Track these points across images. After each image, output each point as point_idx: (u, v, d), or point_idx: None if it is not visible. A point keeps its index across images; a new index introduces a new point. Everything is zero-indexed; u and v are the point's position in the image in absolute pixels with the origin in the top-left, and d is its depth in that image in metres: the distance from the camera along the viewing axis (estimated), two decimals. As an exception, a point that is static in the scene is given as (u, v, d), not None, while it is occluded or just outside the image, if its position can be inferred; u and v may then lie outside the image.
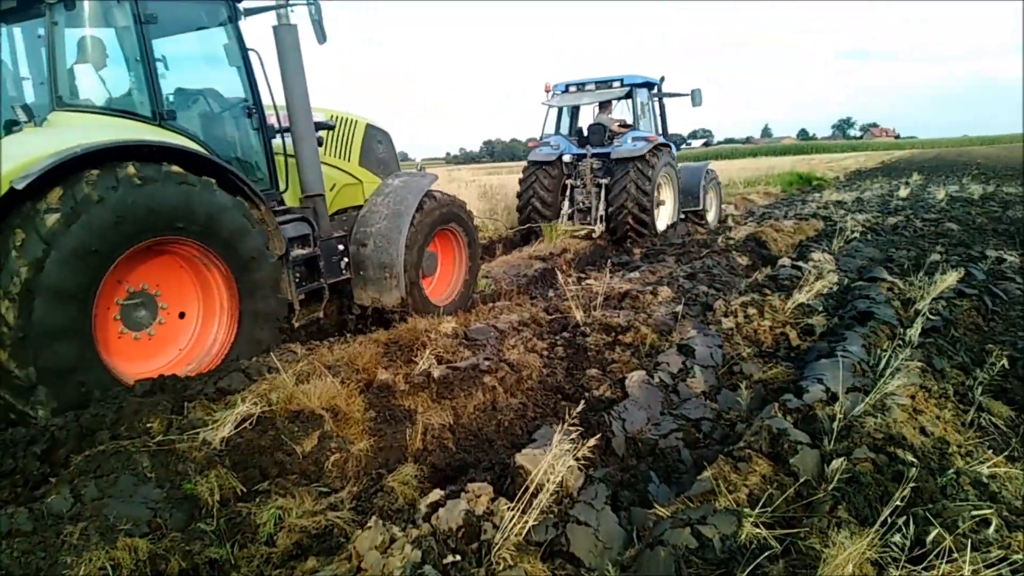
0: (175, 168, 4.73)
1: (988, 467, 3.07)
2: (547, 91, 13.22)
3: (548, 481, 2.84)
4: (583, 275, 9.74)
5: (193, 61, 5.91)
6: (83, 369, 4.31)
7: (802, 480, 2.95)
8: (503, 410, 4.58)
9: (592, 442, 3.05)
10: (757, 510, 2.70)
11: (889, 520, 2.43)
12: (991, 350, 5.00)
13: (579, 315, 6.40)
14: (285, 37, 5.89)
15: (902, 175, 29.83)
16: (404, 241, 6.45)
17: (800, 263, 8.54)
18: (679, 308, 6.63)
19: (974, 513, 2.55)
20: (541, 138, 13.30)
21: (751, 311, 6.40)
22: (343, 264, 6.50)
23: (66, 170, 4.27)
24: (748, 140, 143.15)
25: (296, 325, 5.90)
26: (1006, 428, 3.86)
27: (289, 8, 5.91)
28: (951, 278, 6.39)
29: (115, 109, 5.07)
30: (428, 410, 4.34)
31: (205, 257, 5.03)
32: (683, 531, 2.53)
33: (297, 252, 5.94)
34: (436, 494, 2.90)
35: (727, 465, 3.04)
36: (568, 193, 12.71)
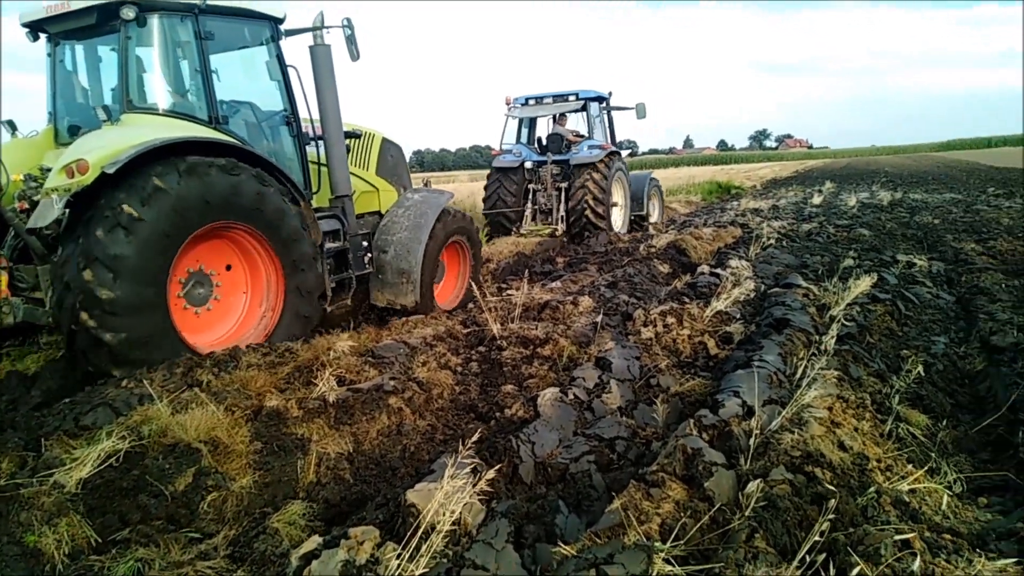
0: (227, 160, 5.44)
1: (908, 483, 2.93)
2: (507, 104, 14.46)
3: (442, 520, 2.53)
4: (504, 285, 9.50)
5: (240, 75, 6.67)
6: (164, 338, 5.00)
7: (718, 506, 2.73)
8: (409, 434, 4.24)
9: (490, 475, 2.75)
10: (669, 543, 2.46)
11: (807, 558, 2.22)
12: (906, 356, 4.97)
13: (496, 328, 6.12)
14: (320, 55, 6.68)
15: (815, 183, 30.87)
16: (423, 251, 7.17)
17: (719, 270, 8.50)
18: (599, 318, 6.44)
19: (896, 537, 2.37)
20: (501, 146, 14.52)
21: (670, 320, 6.25)
22: (367, 259, 7.22)
23: (143, 161, 4.93)
24: (671, 151, 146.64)
25: (328, 309, 6.63)
26: (924, 438, 3.77)
27: (325, 30, 6.67)
28: (864, 283, 6.40)
29: (177, 112, 5.79)
30: (324, 438, 3.96)
31: (253, 238, 5.77)
32: (588, 573, 2.26)
33: (329, 245, 6.66)
34: (313, 542, 2.55)
35: (639, 492, 2.79)
36: (531, 196, 13.96)
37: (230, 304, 5.88)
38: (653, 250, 11.13)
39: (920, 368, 4.24)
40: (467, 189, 22.31)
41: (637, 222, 15.48)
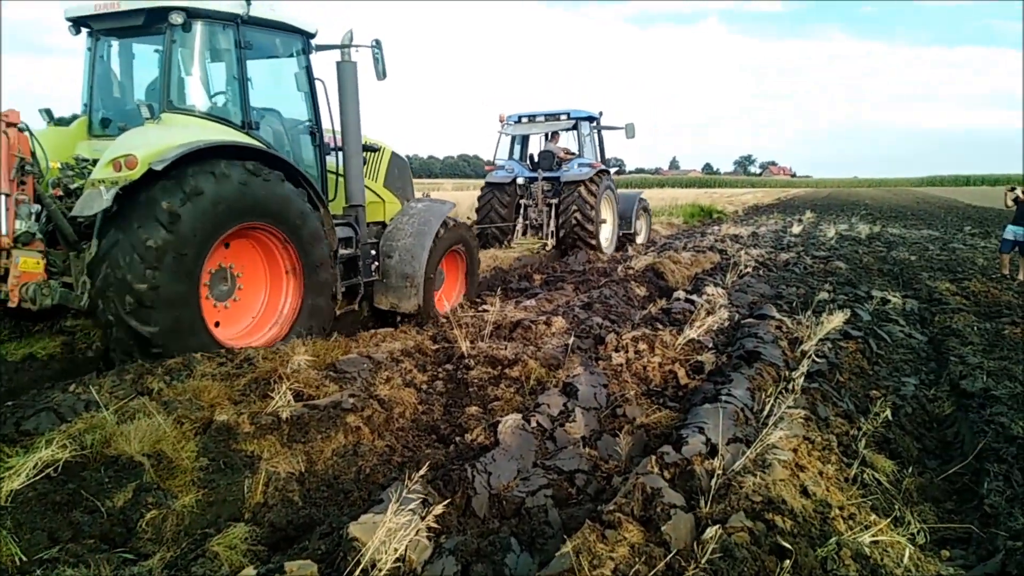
0: (259, 165, 5.74)
1: (870, 535, 2.85)
2: (501, 121, 14.91)
3: (384, 557, 2.41)
4: (479, 300, 9.38)
5: (270, 83, 6.93)
6: (194, 330, 5.27)
7: (673, 552, 2.63)
8: (366, 455, 4.10)
9: (438, 510, 2.64)
10: (621, 592, 2.36)
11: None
12: (875, 397, 4.92)
13: (465, 346, 6.01)
14: (346, 71, 6.99)
15: (796, 212, 31.14)
16: (426, 256, 7.44)
17: (694, 296, 8.46)
18: (571, 340, 6.35)
19: (854, 596, 2.29)
20: (495, 162, 15.02)
21: (642, 346, 6.18)
22: (374, 267, 7.48)
23: (186, 161, 5.19)
24: (657, 171, 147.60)
25: (337, 312, 6.89)
26: (889, 484, 3.70)
27: (353, 47, 6.99)
28: (837, 319, 6.37)
29: (213, 116, 6.08)
30: (276, 456, 3.82)
31: (276, 238, 6.05)
32: (533, 622, 2.15)
33: (342, 251, 6.93)
34: (246, 574, 2.41)
35: (593, 533, 2.69)
36: (522, 211, 14.47)
37: (250, 301, 6.19)
38: (631, 272, 11.08)
39: (888, 412, 4.19)
40: (451, 199, 22.20)
41: (624, 240, 15.87)
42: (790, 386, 4.41)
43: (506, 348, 6.04)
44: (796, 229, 20.65)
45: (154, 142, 5.20)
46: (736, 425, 4.00)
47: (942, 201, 46.88)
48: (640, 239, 16.60)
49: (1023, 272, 11.27)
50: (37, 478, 3.22)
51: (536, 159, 14.95)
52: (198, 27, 5.92)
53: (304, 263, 6.21)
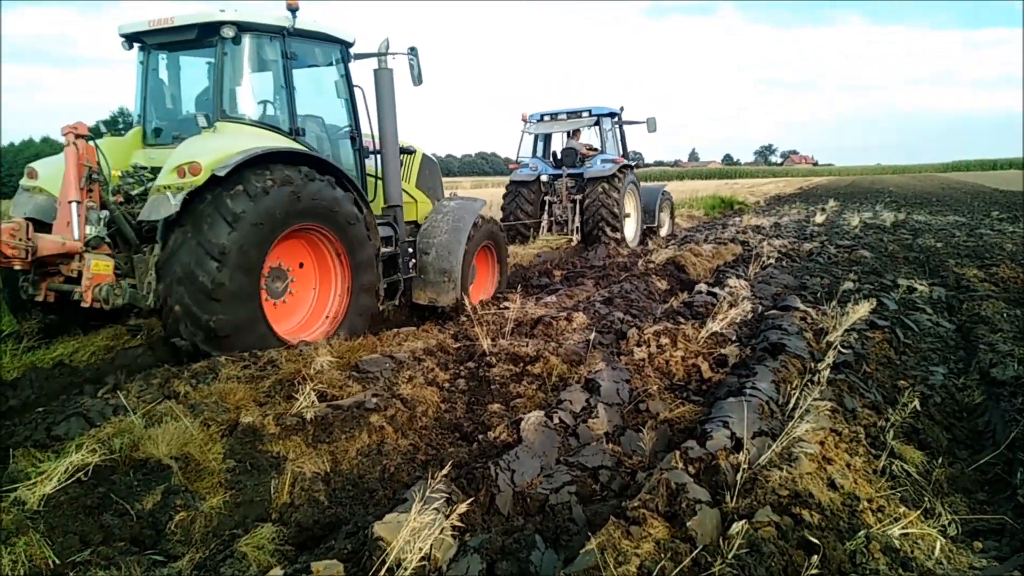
0: (312, 170, 6.08)
1: (900, 527, 2.80)
2: (524, 120, 15.17)
3: (409, 556, 2.42)
4: (501, 296, 9.38)
5: (312, 91, 7.23)
6: (255, 324, 5.63)
7: (700, 548, 2.61)
8: (390, 454, 4.12)
9: (462, 508, 2.64)
10: (647, 588, 2.35)
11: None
12: (903, 388, 4.85)
13: (487, 343, 6.02)
14: (383, 78, 7.32)
15: (819, 201, 30.78)
16: (463, 252, 7.82)
17: (716, 289, 8.39)
18: (592, 336, 6.33)
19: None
20: (518, 160, 15.30)
21: (664, 341, 6.14)
22: (411, 264, 7.82)
23: (245, 166, 5.52)
24: (677, 163, 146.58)
25: (380, 308, 7.25)
26: (918, 476, 3.65)
27: (390, 56, 7.31)
28: (863, 309, 6.28)
29: (263, 123, 6.48)
30: (301, 457, 3.85)
31: (326, 238, 6.42)
32: (559, 620, 2.14)
33: (383, 250, 7.21)
34: (274, 574, 2.43)
35: (618, 530, 2.68)
36: (547, 208, 14.75)
37: (301, 298, 6.57)
38: (652, 266, 11.02)
39: (916, 402, 4.12)
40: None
41: (648, 233, 16.16)
42: (816, 378, 4.35)
43: (527, 345, 6.03)
44: (819, 218, 20.41)
45: (215, 150, 5.58)
46: (761, 419, 3.96)
47: (968, 186, 46.07)
48: (664, 231, 16.86)
49: (1054, 257, 11.04)
50: (68, 482, 3.28)
51: (559, 156, 15.17)
52: (247, 40, 6.29)
53: (351, 263, 6.57)
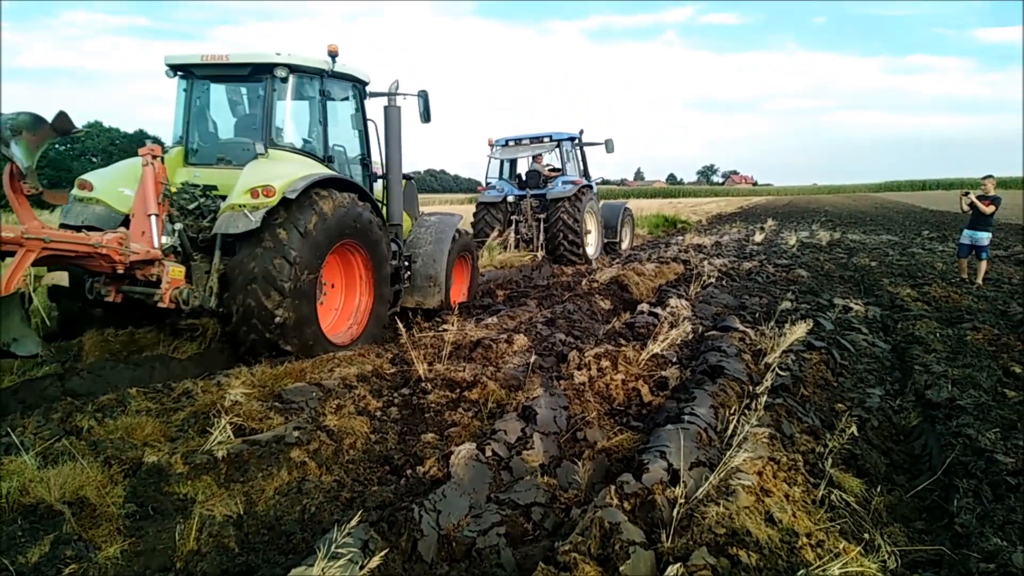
0: (353, 194, 7.10)
1: (840, 565, 2.69)
2: (490, 145, 16.41)
3: (315, 617, 2.18)
4: (439, 319, 9.15)
5: (334, 123, 7.88)
6: (312, 322, 6.51)
7: (633, 595, 2.44)
8: (311, 492, 3.85)
9: (375, 562, 2.41)
10: (574, 646, 2.16)
11: None
12: (840, 412, 4.81)
13: (422, 368, 5.80)
14: (392, 114, 8.17)
15: (758, 220, 31.44)
16: (446, 259, 8.80)
17: (658, 309, 8.34)
18: (532, 359, 6.16)
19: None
20: (487, 183, 16.53)
21: (605, 363, 6.01)
22: (406, 276, 8.69)
23: (308, 189, 6.44)
24: (623, 182, 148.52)
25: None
26: (857, 505, 3.57)
27: (400, 95, 8.23)
28: (800, 330, 6.28)
29: (304, 151, 7.28)
30: (211, 498, 3.56)
31: (357, 252, 7.31)
32: None
33: (391, 263, 8.03)
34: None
35: (547, 577, 2.49)
36: (513, 226, 15.78)
37: (331, 303, 7.40)
38: (595, 285, 10.95)
39: (854, 427, 4.06)
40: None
41: (611, 247, 17.63)
42: (754, 404, 4.27)
43: (465, 370, 5.83)
44: (758, 237, 20.78)
45: (281, 175, 6.39)
46: (699, 447, 3.84)
47: (899, 206, 47.83)
48: (624, 245, 18.27)
49: (980, 276, 11.38)
50: (-57, 534, 2.94)
51: (524, 178, 16.31)
52: (293, 79, 7.14)
53: (376, 276, 7.52)
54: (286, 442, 4.04)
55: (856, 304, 9.08)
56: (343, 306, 7.50)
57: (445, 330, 7.42)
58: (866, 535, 3.25)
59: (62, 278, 7.02)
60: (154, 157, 6.19)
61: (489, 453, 3.90)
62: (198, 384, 4.86)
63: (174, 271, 6.13)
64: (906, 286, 10.67)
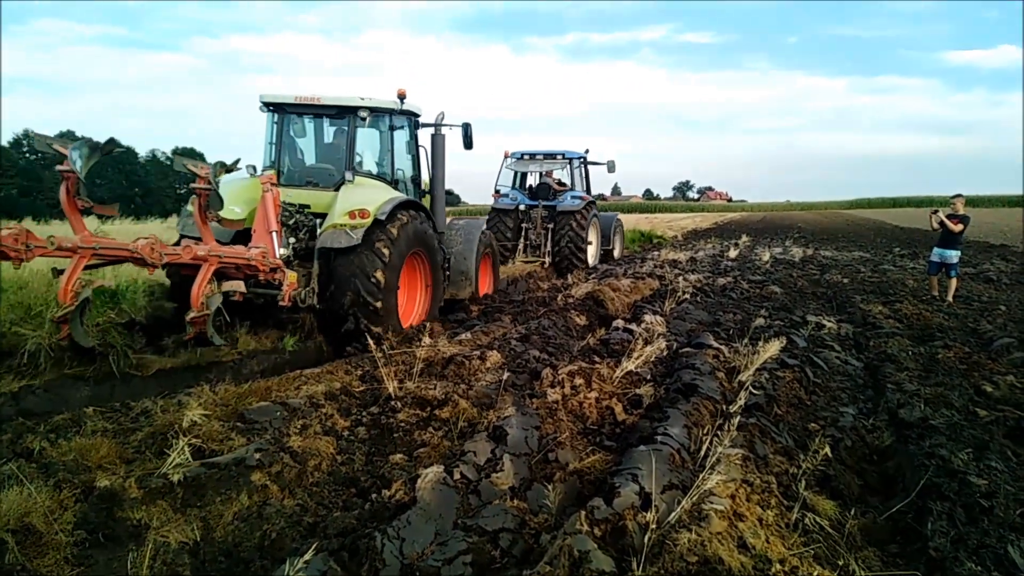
0: (422, 214, 9.13)
1: (813, 594, 2.62)
2: (506, 156, 18.25)
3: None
4: (413, 337, 9.02)
5: (397, 151, 9.65)
6: (394, 309, 8.35)
7: (602, 629, 2.35)
8: (272, 517, 3.72)
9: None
10: None
11: None
12: (814, 431, 4.77)
13: (392, 386, 5.67)
14: (438, 141, 9.90)
15: (733, 236, 31.69)
16: (476, 256, 10.67)
17: (632, 326, 8.29)
18: (505, 376, 6.07)
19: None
20: (498, 189, 18.08)
21: (579, 381, 5.94)
22: (448, 275, 10.37)
23: (392, 209, 8.31)
24: (600, 197, 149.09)
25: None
26: (831, 529, 3.51)
27: (445, 125, 9.97)
28: (774, 347, 6.26)
29: (378, 176, 9.15)
30: (167, 524, 3.41)
31: (421, 256, 9.13)
32: None
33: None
34: None
35: (513, 610, 2.39)
36: (523, 234, 17.36)
37: (402, 296, 8.88)
38: (571, 300, 10.88)
39: (827, 448, 4.01)
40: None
41: (604, 253, 19.37)
42: (727, 423, 4.20)
43: (436, 387, 5.72)
44: (733, 253, 20.91)
45: (371, 200, 8.16)
46: (672, 469, 3.77)
47: (871, 223, 48.51)
48: (616, 253, 20.10)
49: (951, 293, 11.50)
50: None
51: (534, 189, 17.82)
52: (368, 116, 8.77)
53: (433, 279, 9.38)
54: (247, 464, 3.90)
55: (829, 321, 9.11)
56: (406, 303, 9.18)
57: (418, 346, 7.32)
58: (840, 560, 3.19)
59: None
60: (272, 184, 7.65)
61: (457, 476, 3.79)
62: (158, 403, 4.70)
63: (291, 276, 7.43)
64: (878, 303, 10.74)
